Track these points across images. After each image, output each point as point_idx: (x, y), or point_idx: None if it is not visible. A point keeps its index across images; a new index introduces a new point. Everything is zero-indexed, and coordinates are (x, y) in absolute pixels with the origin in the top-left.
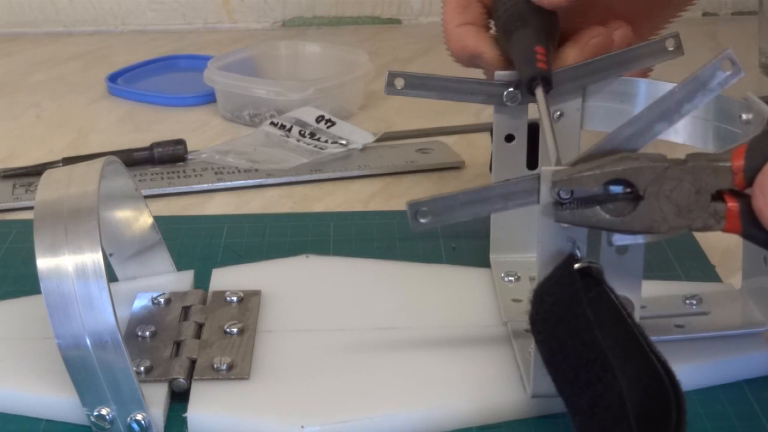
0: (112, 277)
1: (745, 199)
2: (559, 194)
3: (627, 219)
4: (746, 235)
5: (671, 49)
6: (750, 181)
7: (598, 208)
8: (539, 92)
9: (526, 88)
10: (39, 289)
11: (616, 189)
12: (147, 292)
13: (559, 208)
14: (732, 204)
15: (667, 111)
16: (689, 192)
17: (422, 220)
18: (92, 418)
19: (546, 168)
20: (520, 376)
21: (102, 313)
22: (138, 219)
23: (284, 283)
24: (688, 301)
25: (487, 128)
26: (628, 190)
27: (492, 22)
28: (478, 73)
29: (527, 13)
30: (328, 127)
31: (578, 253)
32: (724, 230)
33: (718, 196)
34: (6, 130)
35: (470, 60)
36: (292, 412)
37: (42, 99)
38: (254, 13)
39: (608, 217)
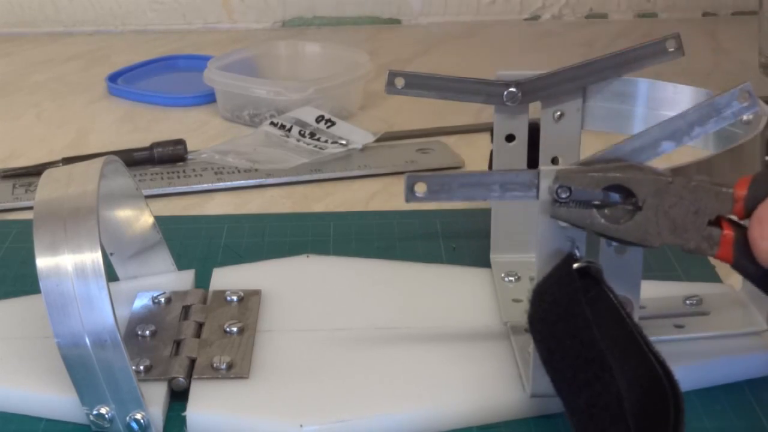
0: (112, 276)
1: (741, 230)
2: (557, 192)
3: (621, 227)
4: (737, 266)
5: (672, 49)
6: (749, 212)
7: (594, 210)
8: None
9: None
10: (39, 289)
11: (616, 196)
12: (147, 291)
13: (557, 205)
14: (728, 231)
15: (677, 131)
16: (688, 211)
17: (418, 194)
18: (91, 417)
19: (547, 167)
20: (519, 376)
21: (101, 312)
22: (139, 218)
23: (284, 283)
24: (688, 302)
25: (487, 128)
26: (628, 198)
27: None
28: (477, 73)
29: None
30: (328, 127)
31: (577, 253)
32: (716, 257)
33: (716, 222)
34: (6, 130)
35: None
36: (290, 411)
37: (42, 99)
38: (254, 13)
39: (603, 222)
